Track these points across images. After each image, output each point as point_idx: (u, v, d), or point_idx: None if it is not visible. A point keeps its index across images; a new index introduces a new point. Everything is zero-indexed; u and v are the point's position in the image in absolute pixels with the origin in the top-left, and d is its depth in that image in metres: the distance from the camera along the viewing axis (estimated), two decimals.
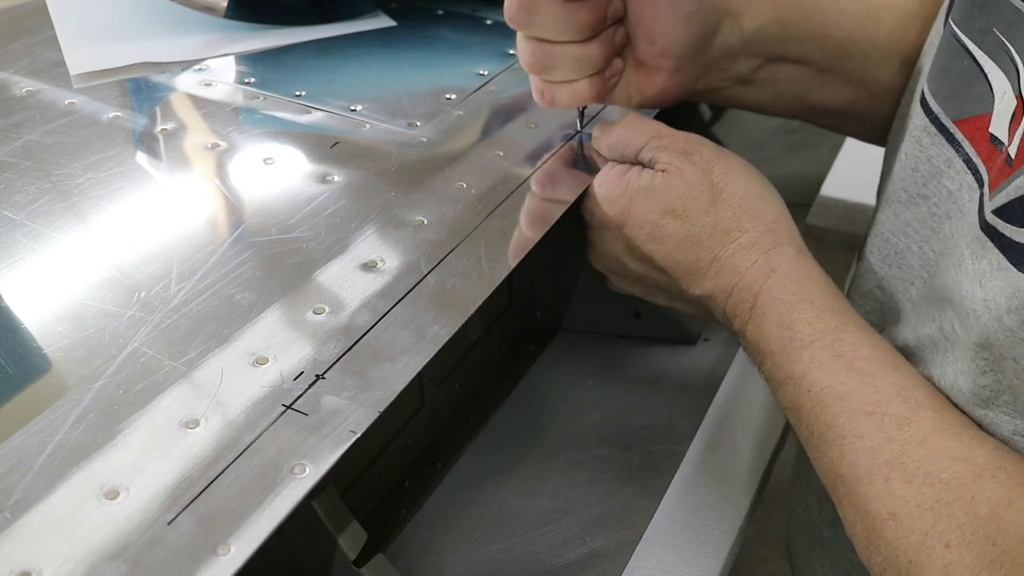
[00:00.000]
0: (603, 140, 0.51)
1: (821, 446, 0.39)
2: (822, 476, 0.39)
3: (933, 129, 0.43)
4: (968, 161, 0.40)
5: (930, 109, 0.43)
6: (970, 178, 0.40)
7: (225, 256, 0.44)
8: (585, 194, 0.50)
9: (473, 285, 0.43)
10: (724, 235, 0.44)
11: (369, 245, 0.45)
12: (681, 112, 0.71)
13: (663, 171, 0.46)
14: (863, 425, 0.37)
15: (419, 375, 0.38)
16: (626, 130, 0.49)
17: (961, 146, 0.40)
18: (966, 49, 0.40)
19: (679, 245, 0.45)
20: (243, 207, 0.48)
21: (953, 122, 0.41)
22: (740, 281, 0.43)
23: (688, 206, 0.45)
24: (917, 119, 0.44)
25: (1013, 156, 0.34)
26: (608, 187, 0.48)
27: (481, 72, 0.63)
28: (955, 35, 0.41)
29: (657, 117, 0.54)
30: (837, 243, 0.88)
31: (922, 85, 0.44)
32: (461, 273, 0.43)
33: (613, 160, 0.50)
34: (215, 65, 0.63)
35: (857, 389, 0.38)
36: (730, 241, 0.44)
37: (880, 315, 0.48)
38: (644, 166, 0.48)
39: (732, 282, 0.44)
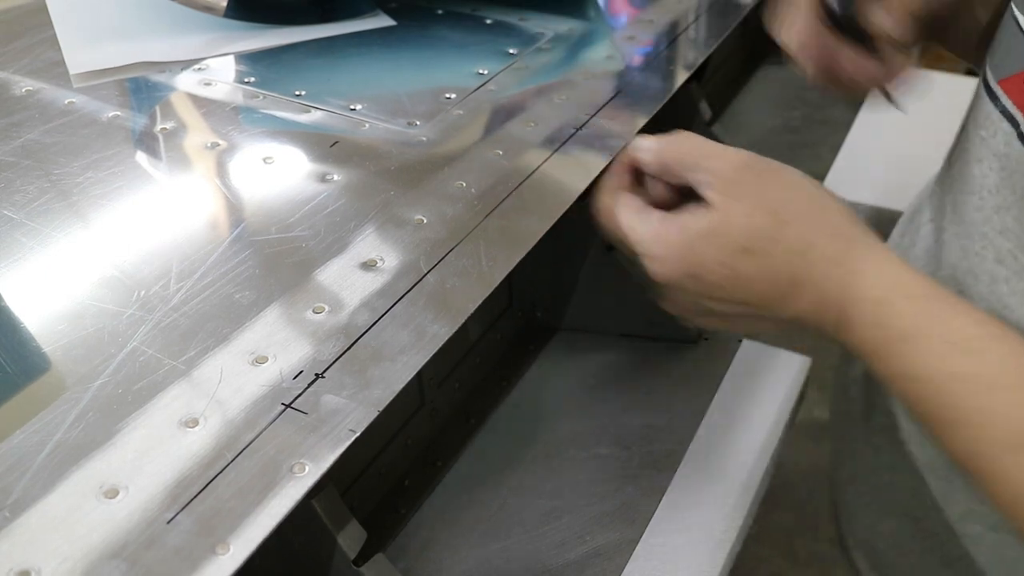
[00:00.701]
0: (649, 155, 0.49)
1: (949, 430, 0.39)
2: (954, 459, 0.40)
3: (983, 92, 0.46)
4: (1005, 112, 0.43)
5: (986, 80, 0.46)
6: (1006, 125, 0.43)
7: (225, 255, 0.44)
8: (639, 256, 0.47)
9: (473, 284, 0.43)
10: (798, 256, 0.44)
11: (369, 244, 0.45)
12: (681, 112, 0.71)
13: (715, 207, 0.45)
14: (991, 400, 0.38)
15: (419, 374, 0.38)
16: (677, 148, 0.48)
17: (999, 99, 0.44)
18: (1017, 23, 0.43)
19: (757, 279, 0.45)
20: (243, 206, 0.48)
21: (998, 82, 0.44)
22: (825, 295, 0.43)
23: (755, 238, 0.44)
24: (979, 91, 0.48)
25: None
26: (667, 244, 0.46)
27: (481, 71, 0.63)
28: (1014, 15, 0.44)
29: (656, 116, 0.54)
30: None
31: (986, 67, 0.48)
32: (461, 272, 0.43)
33: (656, 175, 0.49)
34: (215, 64, 0.63)
35: (976, 368, 0.38)
36: (804, 260, 0.44)
37: (940, 264, 0.51)
38: (691, 187, 0.47)
39: (817, 297, 0.44)
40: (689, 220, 0.45)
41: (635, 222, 0.47)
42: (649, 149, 0.49)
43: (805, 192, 0.46)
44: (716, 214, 0.45)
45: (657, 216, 0.47)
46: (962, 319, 0.40)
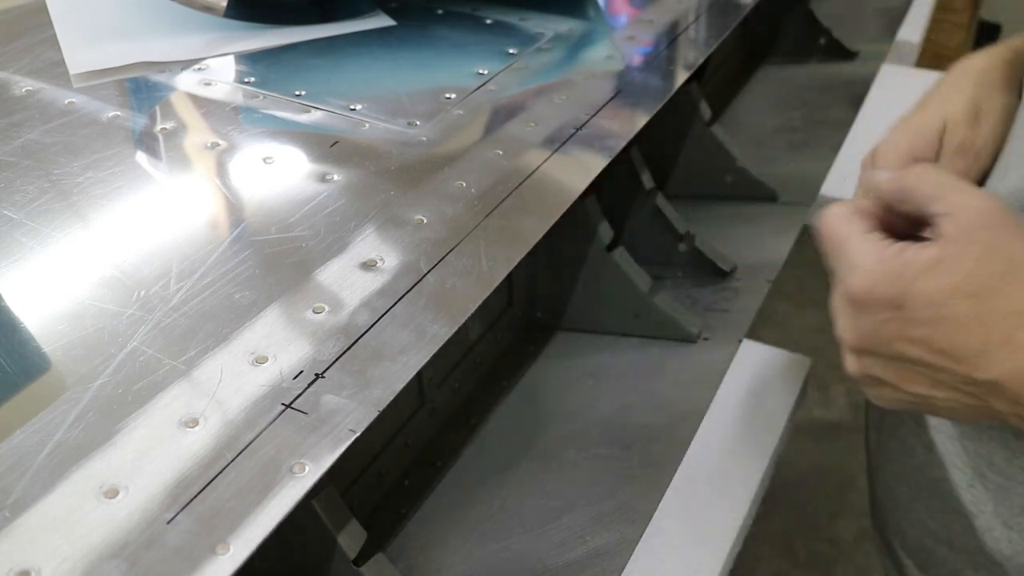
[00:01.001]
0: (890, 180, 0.47)
1: None
2: None
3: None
4: None
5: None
6: None
7: (225, 255, 0.44)
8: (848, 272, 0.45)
9: (473, 284, 0.43)
10: (1018, 316, 0.41)
11: (369, 244, 0.45)
12: (681, 112, 0.71)
13: (949, 240, 0.43)
14: None
15: (419, 374, 0.38)
16: (921, 175, 0.46)
17: None
18: None
19: (966, 327, 0.42)
20: (243, 206, 0.48)
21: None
22: None
23: (981, 285, 0.42)
24: None
25: None
26: (883, 262, 0.43)
27: (481, 71, 0.63)
28: None
29: (656, 116, 0.54)
30: None
31: None
32: (461, 272, 0.43)
33: (892, 202, 0.47)
34: (215, 64, 0.63)
35: None
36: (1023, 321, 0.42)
37: None
38: (924, 222, 0.45)
39: None
40: (915, 249, 0.43)
41: (857, 233, 0.45)
42: (890, 175, 0.47)
43: None
44: (947, 247, 0.42)
45: (883, 238, 0.45)
46: None
